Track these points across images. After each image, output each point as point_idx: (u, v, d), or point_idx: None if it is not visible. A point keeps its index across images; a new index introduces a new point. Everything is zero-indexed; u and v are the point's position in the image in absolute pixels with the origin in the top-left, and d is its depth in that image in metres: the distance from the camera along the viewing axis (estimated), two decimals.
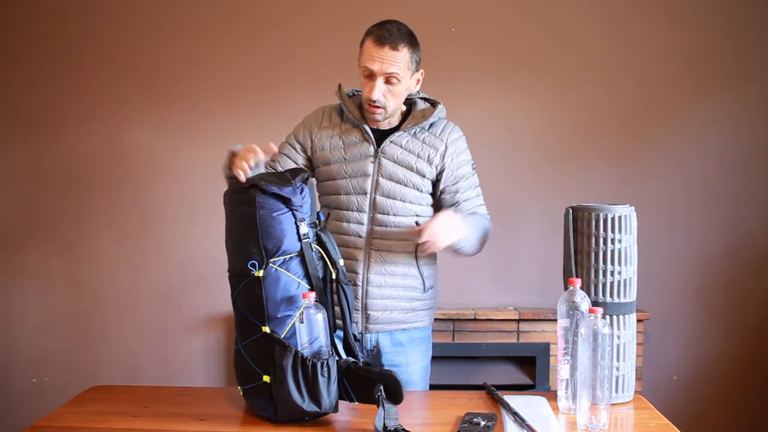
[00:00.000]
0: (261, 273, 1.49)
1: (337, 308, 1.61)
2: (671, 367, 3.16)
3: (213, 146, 3.14)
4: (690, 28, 3.10)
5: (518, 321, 3.00)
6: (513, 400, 1.60)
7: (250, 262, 1.49)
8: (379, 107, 1.79)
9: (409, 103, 1.92)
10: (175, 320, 3.16)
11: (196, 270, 3.13)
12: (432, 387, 2.04)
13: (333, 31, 3.08)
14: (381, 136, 1.86)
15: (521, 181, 3.13)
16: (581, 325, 1.45)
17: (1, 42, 3.13)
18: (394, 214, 1.84)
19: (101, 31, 3.13)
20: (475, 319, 2.99)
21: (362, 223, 1.84)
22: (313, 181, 1.89)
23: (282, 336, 1.47)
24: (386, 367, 1.84)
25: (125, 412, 1.57)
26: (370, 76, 1.77)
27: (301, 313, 1.47)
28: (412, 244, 1.85)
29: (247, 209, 1.51)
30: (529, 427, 1.43)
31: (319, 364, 1.44)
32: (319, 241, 1.57)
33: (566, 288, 1.57)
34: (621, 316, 1.64)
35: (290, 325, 1.48)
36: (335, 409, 1.47)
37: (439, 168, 1.86)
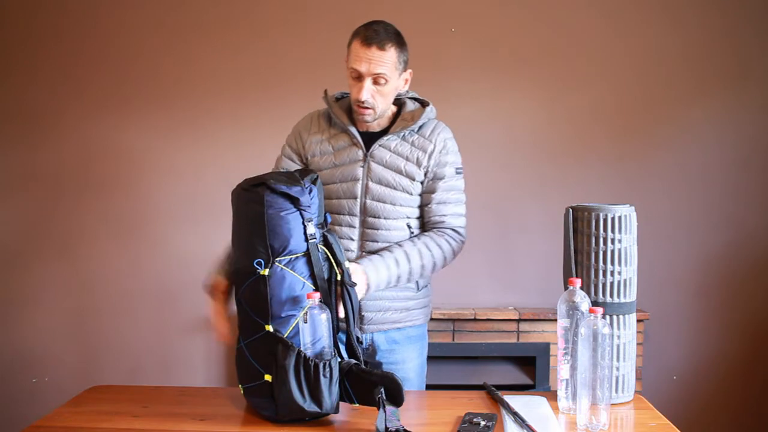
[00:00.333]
0: (266, 272, 1.49)
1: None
2: (671, 367, 3.16)
3: (212, 146, 3.17)
4: (690, 28, 3.10)
5: (518, 321, 3.00)
6: (513, 400, 1.59)
7: (256, 261, 1.49)
8: (368, 108, 1.79)
9: (399, 104, 1.91)
10: (175, 320, 3.16)
11: (197, 269, 3.10)
12: (432, 387, 2.04)
13: (333, 31, 3.06)
14: (370, 139, 1.85)
15: (521, 181, 3.13)
16: (581, 325, 1.45)
17: None
18: (384, 218, 1.83)
19: (100, 31, 3.13)
20: (475, 319, 2.99)
21: (354, 227, 1.84)
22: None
23: (285, 335, 1.47)
24: (382, 365, 1.85)
25: (125, 412, 1.57)
26: (358, 77, 1.77)
27: (305, 313, 1.47)
28: None
29: (256, 207, 1.50)
30: (529, 427, 1.43)
31: (321, 365, 1.44)
32: (326, 242, 1.57)
33: (566, 288, 1.57)
34: (621, 316, 1.64)
35: (294, 325, 1.48)
36: (336, 410, 1.47)
37: (425, 169, 1.85)
